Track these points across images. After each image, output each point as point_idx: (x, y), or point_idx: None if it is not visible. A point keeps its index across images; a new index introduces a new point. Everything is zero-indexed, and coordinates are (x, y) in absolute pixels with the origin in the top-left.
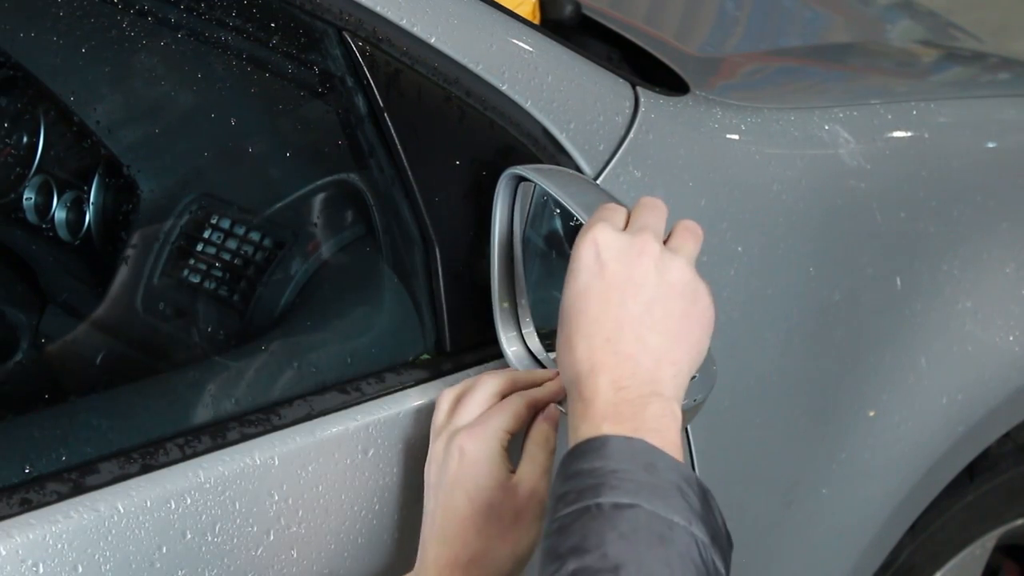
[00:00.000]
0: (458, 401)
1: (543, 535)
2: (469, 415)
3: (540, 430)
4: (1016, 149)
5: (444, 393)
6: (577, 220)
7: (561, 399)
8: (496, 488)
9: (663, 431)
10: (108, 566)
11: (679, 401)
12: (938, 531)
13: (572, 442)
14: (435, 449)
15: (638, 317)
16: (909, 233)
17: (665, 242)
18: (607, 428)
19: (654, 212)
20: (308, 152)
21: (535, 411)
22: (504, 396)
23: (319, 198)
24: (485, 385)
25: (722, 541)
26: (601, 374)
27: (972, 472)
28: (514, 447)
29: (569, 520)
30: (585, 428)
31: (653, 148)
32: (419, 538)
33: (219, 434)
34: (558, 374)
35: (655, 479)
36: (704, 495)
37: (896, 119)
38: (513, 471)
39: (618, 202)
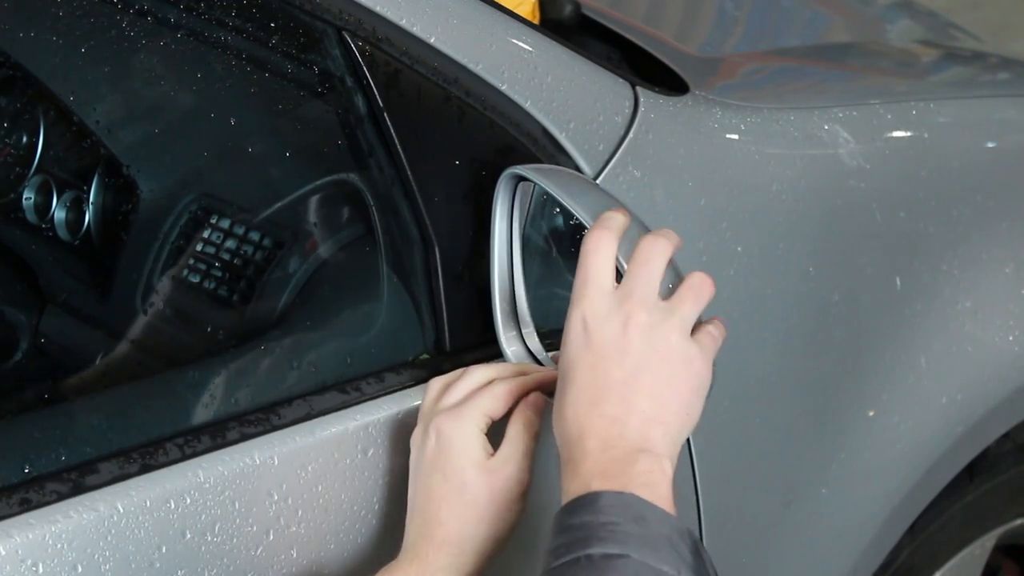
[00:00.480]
0: (446, 389)
1: None
2: (452, 401)
3: (522, 414)
4: (1016, 149)
5: (434, 381)
6: (576, 219)
7: (550, 390)
8: (471, 468)
9: (653, 485)
10: (108, 566)
11: (671, 459)
12: (938, 531)
13: (564, 501)
14: (416, 433)
15: (623, 382)
16: (909, 233)
17: (672, 290)
18: (596, 485)
19: (648, 266)
20: (308, 152)
21: (518, 397)
22: None
23: (319, 198)
24: (472, 374)
25: None
26: (588, 437)
27: (972, 472)
28: (500, 435)
29: (560, 572)
30: (575, 486)
31: (653, 148)
32: None
33: (219, 434)
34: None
35: (645, 531)
36: (696, 546)
37: (896, 119)
38: (493, 454)
39: (618, 203)
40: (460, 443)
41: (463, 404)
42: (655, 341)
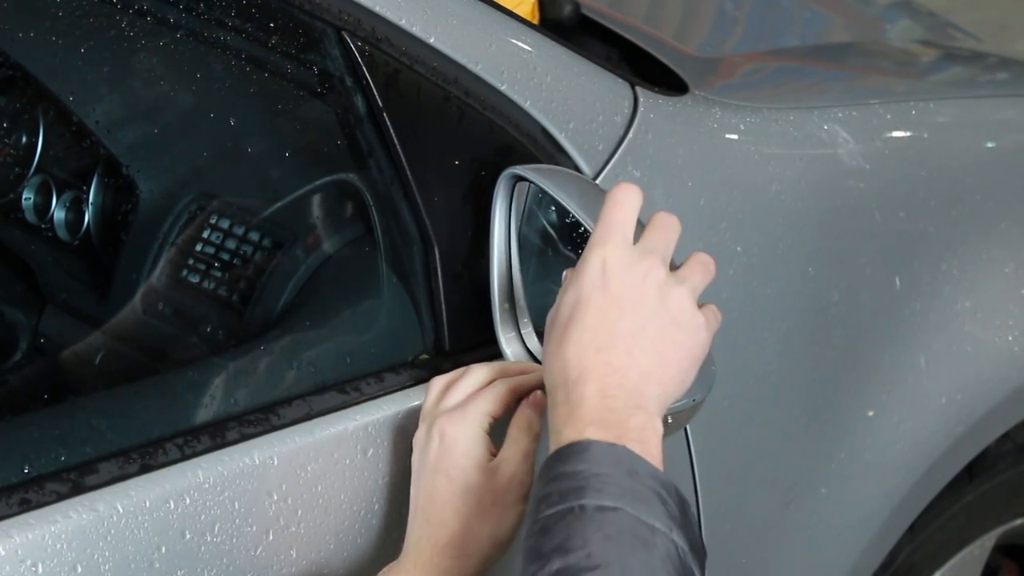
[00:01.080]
0: (447, 388)
1: (524, 536)
2: (454, 401)
3: (523, 415)
4: (1015, 149)
5: (435, 380)
6: (573, 217)
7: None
8: (475, 470)
9: (645, 442)
10: (107, 566)
11: (660, 418)
12: (937, 531)
13: (554, 445)
14: (419, 434)
15: (631, 333)
16: (908, 233)
17: (677, 268)
18: (591, 433)
19: (666, 234)
20: (307, 152)
21: (519, 397)
22: None
23: (318, 198)
24: (474, 373)
25: (699, 550)
26: (589, 381)
27: (971, 472)
28: (502, 434)
29: (552, 520)
30: (568, 432)
31: (652, 148)
32: None
33: (218, 434)
34: None
35: (637, 484)
36: (682, 504)
37: (895, 119)
38: (495, 455)
39: None
40: (464, 445)
41: (466, 405)
42: (669, 301)
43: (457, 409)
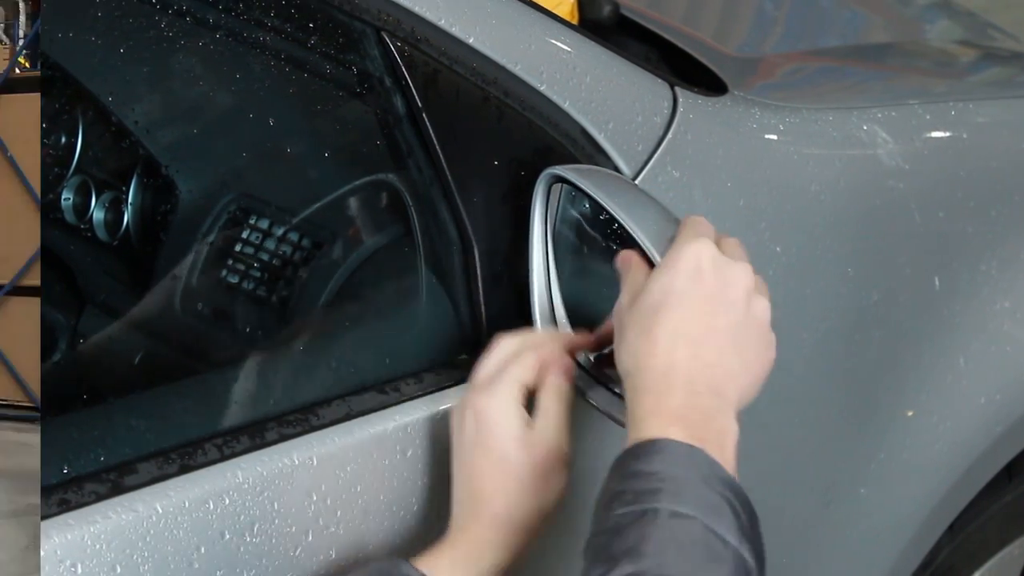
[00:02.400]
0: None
1: (593, 530)
2: (484, 375)
3: (554, 383)
4: None
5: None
6: (607, 214)
7: (580, 350)
8: (511, 441)
9: (723, 447)
10: (146, 566)
11: (738, 422)
12: (976, 531)
13: (633, 435)
14: (453, 414)
15: (724, 332)
16: (947, 233)
17: None
18: (674, 431)
19: (744, 253)
20: (346, 152)
21: (549, 365)
22: None
23: (357, 198)
24: (501, 346)
25: (762, 564)
26: (676, 373)
27: (1011, 472)
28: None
29: (626, 521)
30: (651, 423)
31: (691, 148)
32: None
33: (257, 434)
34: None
35: (712, 494)
36: (752, 516)
37: (935, 119)
38: (532, 423)
39: (657, 204)
40: (496, 417)
41: (495, 377)
42: (756, 310)
43: (488, 383)
